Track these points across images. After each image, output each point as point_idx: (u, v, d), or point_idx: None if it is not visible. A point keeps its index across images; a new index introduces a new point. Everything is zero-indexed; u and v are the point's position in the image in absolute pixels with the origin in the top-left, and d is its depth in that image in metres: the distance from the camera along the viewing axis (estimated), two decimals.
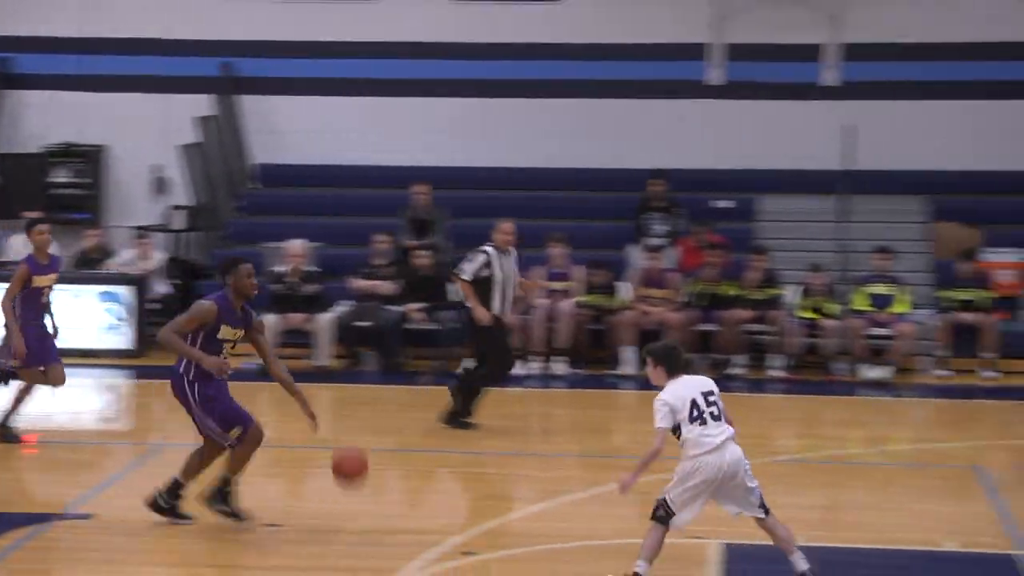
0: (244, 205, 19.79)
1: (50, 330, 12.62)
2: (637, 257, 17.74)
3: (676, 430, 8.65)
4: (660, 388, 8.71)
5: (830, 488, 12.32)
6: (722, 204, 18.68)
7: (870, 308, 16.94)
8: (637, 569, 8.65)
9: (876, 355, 16.65)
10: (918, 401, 15.95)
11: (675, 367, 8.75)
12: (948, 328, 16.70)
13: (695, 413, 8.64)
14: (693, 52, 19.47)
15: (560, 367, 16.81)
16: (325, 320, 16.84)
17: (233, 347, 9.90)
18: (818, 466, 12.82)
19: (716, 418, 8.65)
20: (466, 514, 10.59)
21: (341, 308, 17.01)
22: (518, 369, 16.85)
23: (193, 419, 9.80)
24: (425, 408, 14.24)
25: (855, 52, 19.17)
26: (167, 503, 9.99)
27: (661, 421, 8.61)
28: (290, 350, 16.00)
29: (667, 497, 8.69)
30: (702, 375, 8.92)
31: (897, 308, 16.92)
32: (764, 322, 16.92)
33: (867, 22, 19.11)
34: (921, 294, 17.50)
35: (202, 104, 19.48)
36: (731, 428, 8.71)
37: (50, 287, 12.57)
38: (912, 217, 18.77)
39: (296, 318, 16.69)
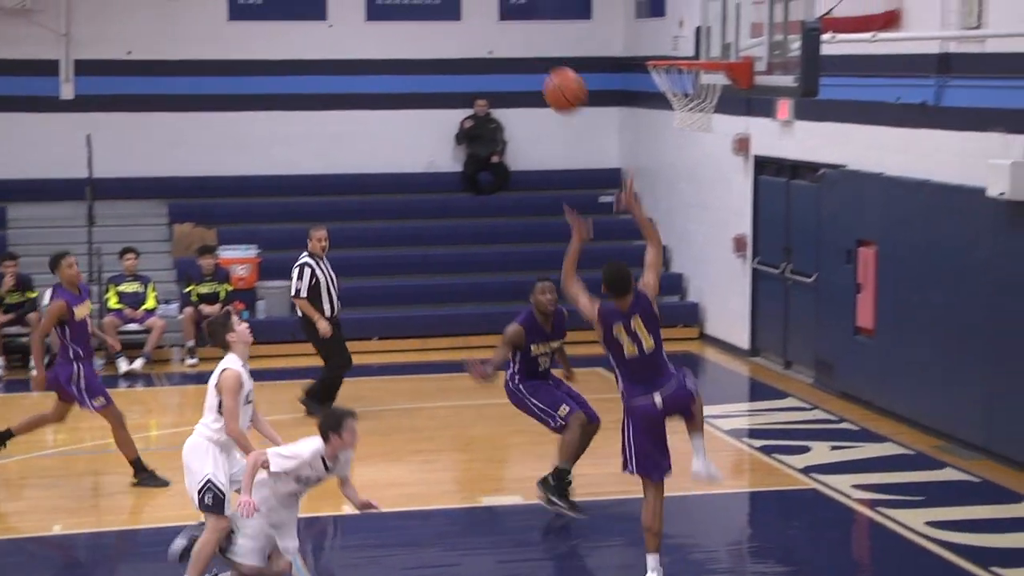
0: None
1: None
2: None
3: None
4: None
5: (95, 476, 12.38)
6: None
7: (122, 306, 17.02)
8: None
9: (132, 349, 16.73)
10: (174, 389, 16.23)
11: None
12: (192, 319, 17.04)
13: None
14: None
15: None
16: None
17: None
18: (82, 456, 12.84)
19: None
20: None
21: None
22: None
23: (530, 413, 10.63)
24: None
25: (88, 67, 19.13)
26: (556, 491, 10.58)
27: None
28: None
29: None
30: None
31: (148, 304, 17.11)
32: (23, 324, 16.59)
33: (95, 40, 19.13)
34: (167, 290, 17.80)
35: None
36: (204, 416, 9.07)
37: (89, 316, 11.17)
38: (153, 220, 19.10)
39: None
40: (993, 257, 12.41)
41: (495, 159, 20.01)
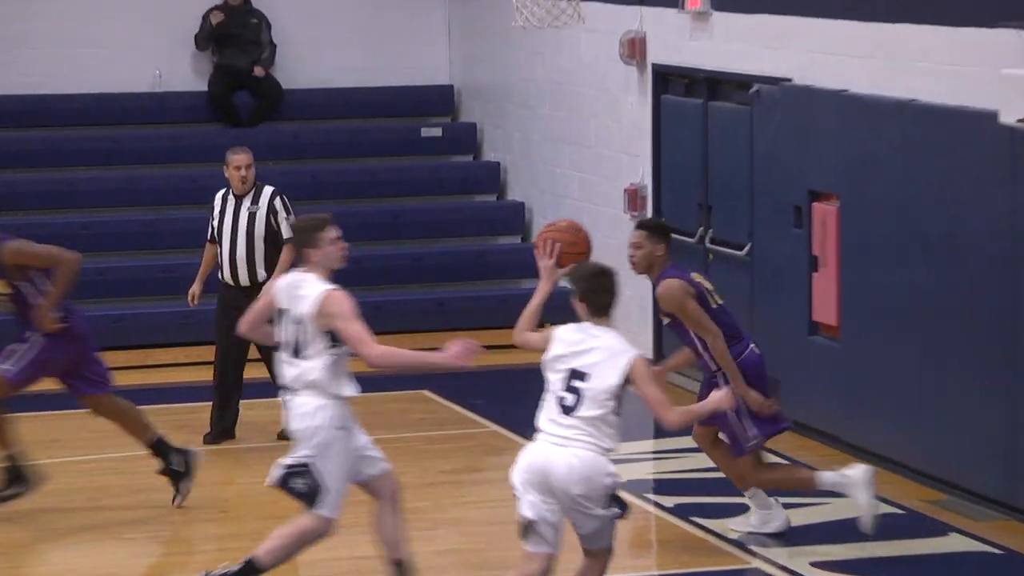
0: None
1: None
2: None
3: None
4: None
5: None
6: None
7: None
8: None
9: None
10: None
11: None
12: None
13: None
14: None
15: None
16: None
17: None
18: None
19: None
20: None
21: None
22: None
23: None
24: None
25: None
26: None
27: None
28: None
29: None
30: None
31: None
32: None
33: None
34: None
35: None
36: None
37: None
38: None
39: None
40: (1009, 215, 12.50)
41: (258, 72, 19.95)
